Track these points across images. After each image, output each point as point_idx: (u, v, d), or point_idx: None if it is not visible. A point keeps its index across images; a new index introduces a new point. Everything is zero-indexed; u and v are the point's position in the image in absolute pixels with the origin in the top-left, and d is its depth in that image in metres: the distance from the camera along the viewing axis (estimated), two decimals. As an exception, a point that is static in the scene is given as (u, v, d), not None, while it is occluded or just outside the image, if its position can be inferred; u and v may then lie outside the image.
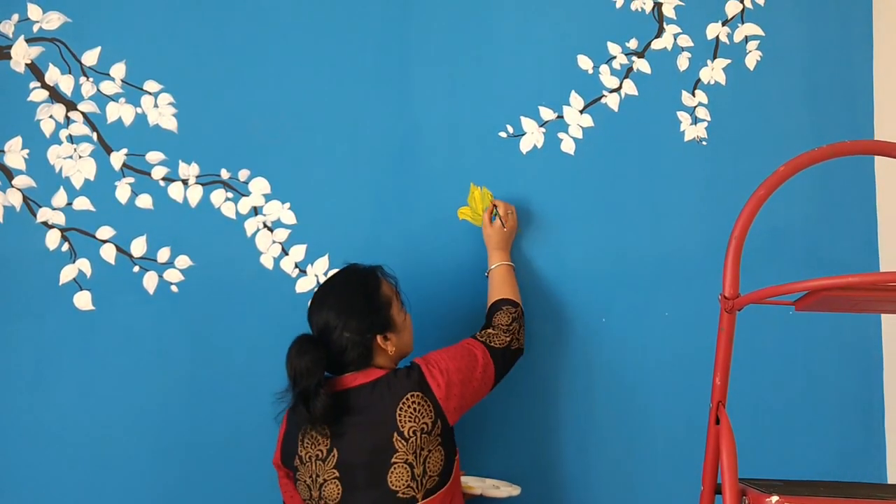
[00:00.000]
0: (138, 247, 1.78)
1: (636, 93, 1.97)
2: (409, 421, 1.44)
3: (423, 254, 1.86)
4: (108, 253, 1.77)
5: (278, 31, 1.86)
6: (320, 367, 1.44)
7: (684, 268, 1.93)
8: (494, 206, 1.80)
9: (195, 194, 1.81)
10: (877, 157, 2.01)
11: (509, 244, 1.83)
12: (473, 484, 1.68)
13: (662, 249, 1.94)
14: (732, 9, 2.01)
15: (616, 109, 1.96)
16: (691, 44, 1.99)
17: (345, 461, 1.43)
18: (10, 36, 1.77)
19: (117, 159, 1.79)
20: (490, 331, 1.64)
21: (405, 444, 1.43)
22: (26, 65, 1.77)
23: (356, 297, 1.52)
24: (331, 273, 1.76)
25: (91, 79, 1.79)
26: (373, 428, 1.44)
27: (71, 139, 1.78)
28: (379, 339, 1.51)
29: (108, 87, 1.80)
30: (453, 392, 1.49)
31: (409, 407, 1.45)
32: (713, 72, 1.99)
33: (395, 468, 1.42)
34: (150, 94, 1.81)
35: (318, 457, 1.45)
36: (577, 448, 1.88)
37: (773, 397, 1.93)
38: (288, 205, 1.83)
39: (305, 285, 1.82)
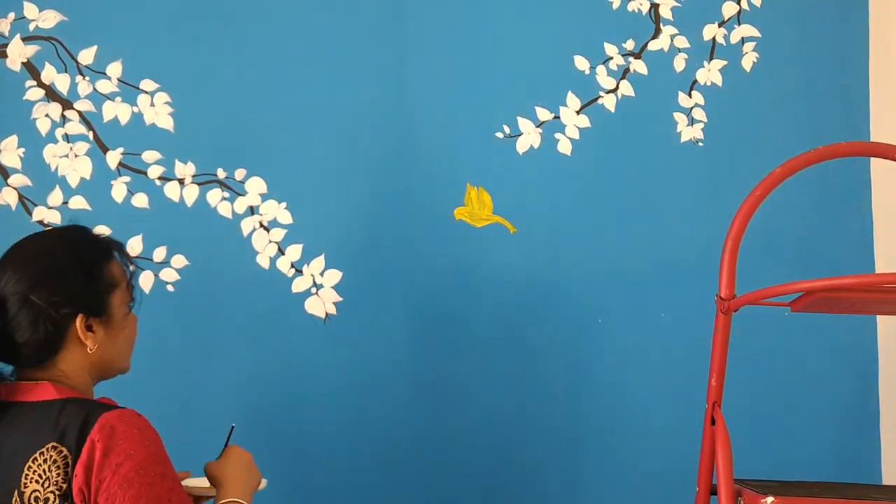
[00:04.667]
0: (134, 246, 1.77)
1: (633, 94, 1.97)
2: (35, 484, 0.97)
3: (420, 254, 1.86)
4: (104, 252, 1.76)
5: (275, 31, 1.86)
6: None
7: (680, 269, 1.94)
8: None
9: (191, 194, 1.80)
10: (873, 159, 2.02)
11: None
12: (202, 484, 1.24)
13: (659, 250, 1.94)
14: (729, 10, 2.01)
15: (613, 110, 1.96)
16: (688, 45, 2.00)
17: None
18: (6, 34, 1.77)
19: (113, 158, 1.79)
20: None
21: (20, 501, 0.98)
22: (22, 63, 1.77)
23: (68, 255, 1.09)
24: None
25: (87, 77, 1.79)
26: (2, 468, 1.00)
27: (67, 138, 1.77)
28: (79, 321, 1.06)
29: (104, 86, 1.79)
30: (115, 483, 0.96)
31: (42, 463, 0.98)
32: (710, 73, 2.00)
33: None
34: (146, 92, 1.80)
35: None
36: (574, 448, 1.88)
37: (769, 398, 1.94)
38: (284, 204, 1.83)
39: (301, 285, 1.82)
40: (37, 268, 1.06)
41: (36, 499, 0.97)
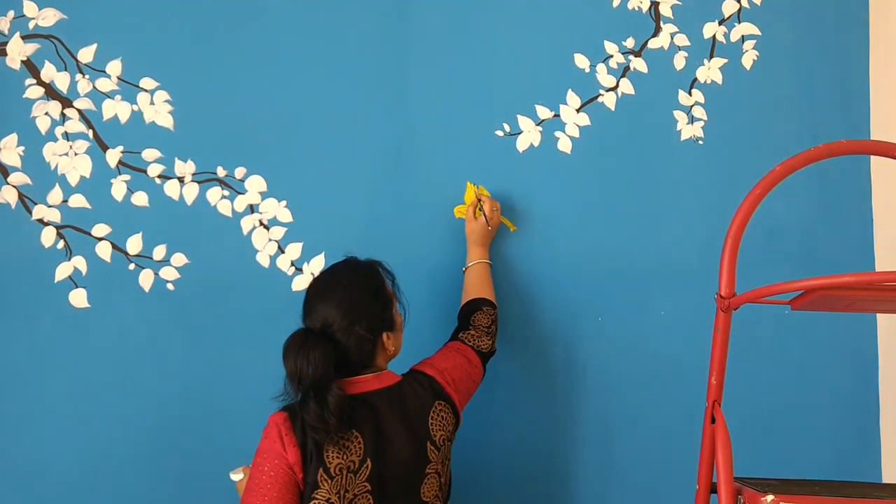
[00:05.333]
0: (134, 244, 1.77)
1: (633, 92, 1.97)
2: (440, 430, 1.43)
3: (420, 252, 1.86)
4: (104, 251, 1.76)
5: (275, 30, 1.85)
6: (331, 361, 1.34)
7: (681, 267, 1.94)
8: (480, 200, 1.80)
9: (191, 192, 1.80)
10: (873, 157, 2.02)
11: (489, 242, 1.83)
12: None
13: (659, 248, 1.94)
14: (729, 8, 2.01)
15: (613, 108, 1.96)
16: (688, 43, 1.99)
17: (379, 473, 1.35)
18: (6, 33, 1.77)
19: (113, 157, 1.78)
20: (472, 332, 1.65)
21: (437, 453, 1.42)
22: (22, 62, 1.77)
23: (365, 292, 1.45)
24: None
25: (87, 76, 1.79)
26: (409, 437, 1.39)
27: (66, 136, 1.77)
28: (384, 336, 1.46)
29: (103, 85, 1.79)
30: (462, 399, 1.53)
31: (438, 415, 1.44)
32: (710, 71, 1.99)
33: (428, 479, 1.40)
34: (146, 91, 1.80)
35: (350, 468, 1.34)
36: (573, 447, 1.88)
37: (769, 396, 1.94)
38: (284, 203, 1.83)
39: (301, 283, 1.82)
40: (350, 304, 1.42)
41: (443, 440, 1.43)
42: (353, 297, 1.42)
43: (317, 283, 1.48)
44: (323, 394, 1.32)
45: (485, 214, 1.78)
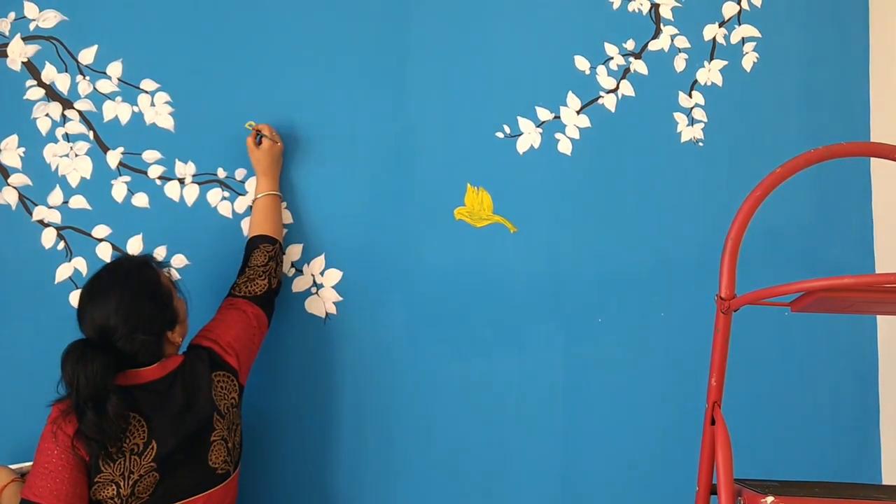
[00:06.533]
0: (134, 245, 1.77)
1: (633, 94, 1.97)
2: (223, 399, 1.48)
3: (420, 254, 1.86)
4: (105, 252, 1.76)
5: (275, 31, 1.85)
6: (110, 373, 1.34)
7: (681, 268, 1.94)
8: (257, 128, 1.74)
9: (191, 193, 1.80)
10: (873, 159, 2.02)
11: (279, 169, 1.79)
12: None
13: (659, 250, 1.94)
14: (729, 10, 2.02)
15: (613, 110, 1.96)
16: (688, 45, 2.00)
17: (163, 452, 1.38)
18: (7, 34, 1.77)
19: (113, 158, 1.79)
20: (245, 279, 1.65)
21: (222, 421, 1.46)
22: (23, 63, 1.77)
23: (142, 296, 1.43)
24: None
25: (87, 77, 1.79)
26: (192, 412, 1.43)
27: (67, 137, 1.77)
28: (169, 334, 1.47)
29: (104, 86, 1.79)
30: (243, 359, 1.56)
31: (219, 385, 1.48)
32: (710, 73, 2.00)
33: (214, 446, 1.44)
34: (146, 92, 1.80)
35: (134, 451, 1.37)
36: (573, 448, 1.88)
37: (769, 398, 1.94)
38: (284, 204, 1.83)
39: (302, 284, 1.82)
40: (128, 310, 1.40)
41: (227, 407, 1.48)
42: (130, 304, 1.40)
43: (89, 290, 1.43)
44: (102, 404, 1.33)
45: (267, 137, 1.73)
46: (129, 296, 1.41)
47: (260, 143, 1.75)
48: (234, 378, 1.52)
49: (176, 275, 1.57)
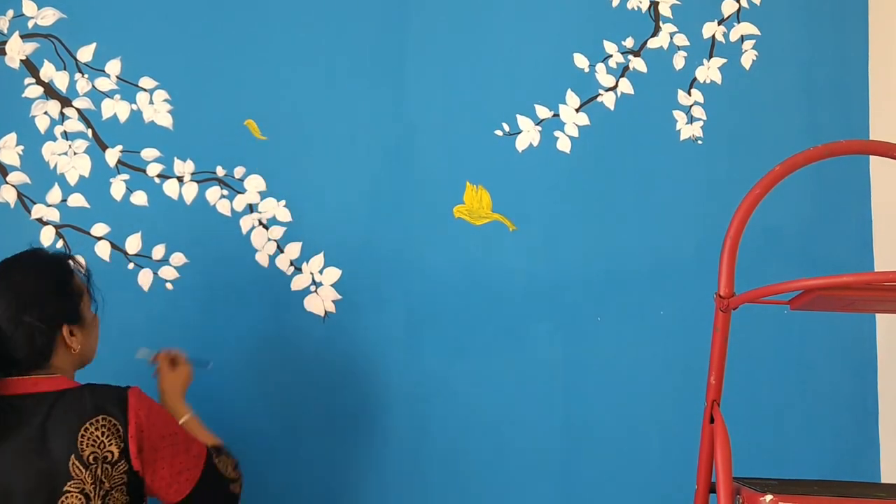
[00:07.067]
0: (133, 244, 1.77)
1: (632, 91, 1.97)
2: (91, 446, 1.17)
3: (419, 252, 1.86)
4: (103, 250, 1.76)
5: (274, 29, 1.85)
6: None
7: (680, 267, 1.94)
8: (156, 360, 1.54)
9: (190, 191, 1.80)
10: (872, 157, 2.02)
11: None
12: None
13: (658, 248, 1.94)
14: (728, 8, 2.01)
15: (612, 108, 1.96)
16: (687, 43, 1.99)
17: (2, 485, 1.14)
18: (5, 32, 1.77)
19: (112, 156, 1.78)
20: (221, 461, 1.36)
21: (83, 471, 1.17)
22: (21, 61, 1.77)
23: (44, 278, 1.25)
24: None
25: (86, 75, 1.79)
26: (50, 447, 1.16)
27: (66, 136, 1.77)
28: (65, 330, 1.25)
29: (103, 84, 1.79)
30: (148, 436, 1.23)
31: (95, 429, 1.18)
32: (709, 71, 1.99)
33: (67, 497, 1.15)
34: (145, 90, 1.80)
35: None
36: (573, 447, 1.88)
37: (768, 396, 1.94)
38: (283, 202, 1.82)
39: (301, 283, 1.82)
40: (23, 289, 1.23)
41: (94, 458, 1.17)
42: (27, 283, 1.23)
43: None
44: None
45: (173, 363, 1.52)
46: (31, 275, 1.24)
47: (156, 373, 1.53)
48: (120, 434, 1.20)
49: (93, 290, 1.37)
